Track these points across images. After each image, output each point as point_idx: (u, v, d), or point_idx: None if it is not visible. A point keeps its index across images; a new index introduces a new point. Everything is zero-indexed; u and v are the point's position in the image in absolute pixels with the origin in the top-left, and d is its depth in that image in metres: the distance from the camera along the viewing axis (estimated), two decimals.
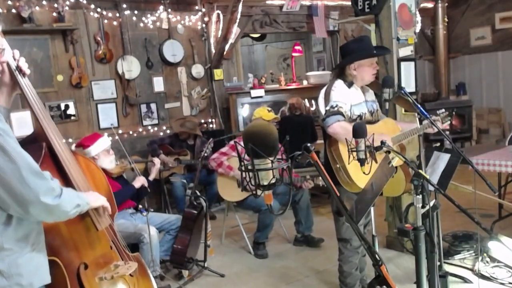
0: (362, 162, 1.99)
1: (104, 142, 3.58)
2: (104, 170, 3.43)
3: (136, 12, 5.76)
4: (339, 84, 2.93)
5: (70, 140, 5.21)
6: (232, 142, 4.50)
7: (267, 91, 6.53)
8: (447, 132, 3.17)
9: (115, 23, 5.62)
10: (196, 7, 6.22)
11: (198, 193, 3.93)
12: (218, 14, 6.22)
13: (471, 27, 8.17)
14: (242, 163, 1.71)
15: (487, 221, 4.11)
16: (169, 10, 5.92)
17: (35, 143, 1.86)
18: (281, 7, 6.66)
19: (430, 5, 7.89)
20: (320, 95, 2.97)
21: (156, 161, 4.00)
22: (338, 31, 7.29)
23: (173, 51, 6.01)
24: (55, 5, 5.10)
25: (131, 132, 5.84)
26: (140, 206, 3.48)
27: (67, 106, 5.37)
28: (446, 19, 8.04)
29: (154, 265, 3.42)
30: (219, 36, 6.17)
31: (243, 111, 6.39)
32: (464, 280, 3.38)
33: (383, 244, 4.11)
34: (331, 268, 3.65)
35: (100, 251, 2.03)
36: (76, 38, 5.33)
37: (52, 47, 5.27)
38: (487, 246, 3.59)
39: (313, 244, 4.41)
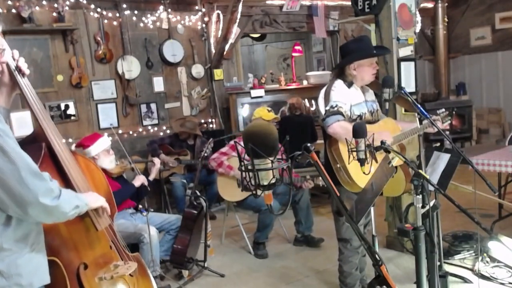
0: (362, 162, 1.99)
1: (104, 142, 3.58)
2: (104, 170, 3.43)
3: (136, 12, 5.76)
4: (339, 84, 2.93)
5: (70, 140, 5.21)
6: (232, 142, 4.50)
7: (267, 91, 6.53)
8: (447, 132, 3.17)
9: (115, 23, 5.62)
10: (196, 7, 6.22)
11: (198, 193, 3.93)
12: (218, 14, 6.22)
13: (471, 27, 8.17)
14: (242, 163, 1.71)
15: (487, 221, 4.11)
16: (169, 10, 5.92)
17: (34, 143, 1.86)
18: (281, 7, 6.66)
19: (430, 5, 7.89)
20: (320, 95, 2.97)
21: (156, 161, 4.00)
22: (338, 31, 7.30)
23: (173, 51, 6.01)
24: (55, 5, 5.10)
25: (131, 132, 5.84)
26: (140, 206, 3.48)
27: (67, 106, 5.37)
28: (446, 19, 8.04)
29: (154, 265, 3.42)
30: (219, 36, 6.17)
31: (243, 111, 6.39)
32: (464, 280, 3.38)
33: (383, 244, 4.11)
34: (331, 268, 3.65)
35: (99, 251, 2.03)
36: (76, 38, 5.33)
37: (52, 47, 5.27)
38: (487, 246, 3.59)
39: (313, 244, 4.41)
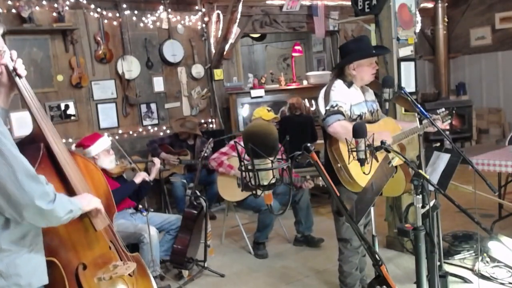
0: (362, 162, 1.99)
1: (104, 142, 3.58)
2: (104, 170, 3.44)
3: (136, 12, 5.76)
4: (338, 84, 2.93)
5: (70, 140, 5.21)
6: (232, 142, 4.50)
7: (267, 91, 6.53)
8: (447, 132, 3.17)
9: (115, 23, 5.62)
10: (196, 7, 6.22)
11: (198, 193, 3.93)
12: (218, 14, 6.22)
13: (471, 27, 8.17)
14: (242, 163, 1.71)
15: (487, 221, 4.11)
16: (169, 10, 5.92)
17: (33, 143, 1.86)
18: (281, 7, 6.66)
19: (430, 5, 7.89)
20: (320, 95, 2.97)
21: (156, 161, 3.99)
22: (338, 31, 7.30)
23: (173, 51, 6.01)
24: (55, 5, 5.10)
25: (131, 132, 5.84)
26: (140, 206, 3.48)
27: (67, 106, 5.37)
28: (446, 19, 8.04)
29: (154, 265, 3.42)
30: (219, 36, 6.17)
31: (243, 111, 6.39)
32: (464, 280, 3.38)
33: (383, 244, 4.11)
34: (331, 268, 3.65)
35: (98, 252, 2.02)
36: (76, 38, 5.33)
37: (52, 47, 5.27)
38: (487, 246, 3.59)
39: (313, 244, 4.41)
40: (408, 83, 3.87)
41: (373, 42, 3.87)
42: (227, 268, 4.03)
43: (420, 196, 1.90)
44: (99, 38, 5.50)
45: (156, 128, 6.03)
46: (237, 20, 5.89)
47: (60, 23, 5.15)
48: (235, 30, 6.05)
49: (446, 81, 8.19)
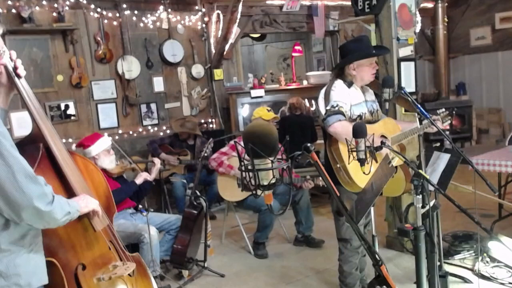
0: (362, 162, 1.99)
1: (105, 142, 3.58)
2: (104, 170, 3.44)
3: (136, 12, 5.76)
4: (339, 84, 2.93)
5: (70, 140, 5.21)
6: (232, 142, 4.50)
7: (267, 91, 6.53)
8: (447, 132, 3.17)
9: (115, 23, 5.62)
10: (196, 7, 6.22)
11: (198, 193, 3.93)
12: (218, 14, 6.22)
13: (471, 27, 8.17)
14: (242, 163, 1.71)
15: (487, 221, 4.11)
16: (169, 10, 5.92)
17: (32, 144, 1.85)
18: (281, 7, 6.66)
19: (430, 5, 7.89)
20: (320, 95, 2.97)
21: (157, 161, 3.99)
22: (338, 31, 7.30)
23: (173, 51, 6.01)
24: (55, 5, 5.11)
25: (131, 132, 5.84)
26: (140, 206, 3.48)
27: (67, 106, 5.37)
28: (446, 19, 8.04)
29: (154, 265, 3.42)
30: (219, 36, 6.17)
31: (243, 111, 6.39)
32: (464, 280, 3.38)
33: (383, 244, 4.11)
34: (331, 268, 3.65)
35: (98, 252, 2.02)
36: (76, 38, 5.33)
37: (52, 47, 5.27)
38: (487, 246, 3.59)
39: (313, 245, 4.40)
40: (408, 83, 3.87)
41: (373, 42, 3.87)
42: (227, 268, 4.03)
43: (420, 196, 1.90)
44: (99, 38, 5.50)
45: (156, 128, 6.03)
46: (237, 20, 5.90)
47: (60, 23, 5.15)
48: (235, 30, 6.05)
49: (446, 81, 8.19)
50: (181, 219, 3.81)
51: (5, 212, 1.52)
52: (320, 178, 3.01)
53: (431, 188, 2.10)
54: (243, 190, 1.73)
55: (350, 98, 2.90)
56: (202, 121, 6.34)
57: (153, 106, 6.00)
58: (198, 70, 6.29)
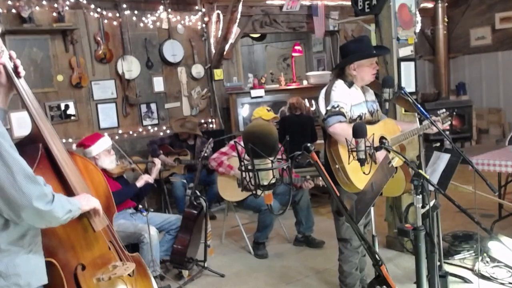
0: (362, 162, 1.99)
1: (105, 142, 3.58)
2: (104, 170, 3.44)
3: (136, 12, 5.76)
4: (339, 84, 2.93)
5: (70, 140, 5.21)
6: (232, 142, 4.50)
7: (267, 91, 6.53)
8: (447, 132, 3.17)
9: (115, 23, 5.62)
10: (196, 7, 6.22)
11: (198, 193, 3.93)
12: (218, 14, 6.22)
13: (471, 27, 8.17)
14: (242, 163, 1.71)
15: (487, 221, 4.11)
16: (169, 10, 5.92)
17: (32, 144, 1.85)
18: (281, 7, 6.66)
19: (430, 5, 7.89)
20: (320, 95, 2.97)
21: (157, 161, 3.99)
22: (338, 31, 7.29)
23: (173, 51, 6.01)
24: (55, 5, 5.10)
25: (131, 132, 5.84)
26: (140, 206, 3.47)
27: (67, 106, 5.37)
28: (446, 19, 8.04)
29: (154, 265, 3.42)
30: (219, 36, 6.17)
31: (243, 111, 6.39)
32: (464, 280, 3.38)
33: (383, 244, 4.11)
34: (331, 268, 3.65)
35: (98, 252, 2.02)
36: (76, 38, 5.33)
37: (52, 47, 5.27)
38: (487, 246, 3.59)
39: (313, 245, 4.40)
40: (408, 83, 3.87)
41: (373, 42, 3.87)
42: (227, 268, 4.03)
43: (420, 196, 1.90)
44: (99, 38, 5.50)
45: (156, 128, 6.03)
46: (237, 20, 5.90)
47: (60, 23, 5.15)
48: (235, 30, 6.05)
49: (446, 81, 8.19)
50: (181, 219, 3.81)
51: (4, 212, 1.52)
52: (320, 178, 3.01)
53: (431, 188, 2.10)
54: (243, 190, 1.73)
55: (350, 98, 2.90)
56: (202, 121, 6.34)
57: (153, 106, 6.00)
58: (198, 70, 6.29)
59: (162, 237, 3.81)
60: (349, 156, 2.01)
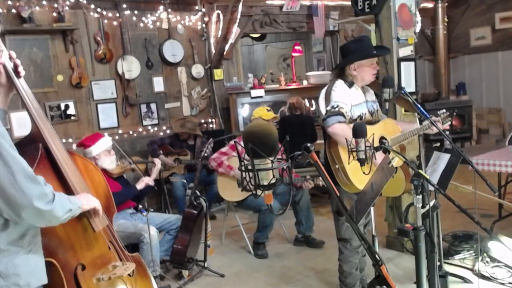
0: (362, 162, 1.99)
1: (105, 142, 3.58)
2: (105, 171, 3.43)
3: (136, 12, 5.76)
4: (340, 84, 2.93)
5: (70, 140, 5.21)
6: (232, 142, 4.50)
7: (267, 91, 6.54)
8: (447, 132, 3.17)
9: (115, 23, 5.62)
10: (196, 7, 6.22)
11: (198, 193, 3.93)
12: (218, 14, 6.22)
13: (471, 27, 8.17)
14: (242, 163, 1.71)
15: (487, 221, 4.11)
16: (169, 10, 5.93)
17: (32, 144, 1.85)
18: (281, 7, 6.66)
19: (430, 5, 7.89)
20: (321, 95, 2.97)
21: (157, 161, 3.99)
22: (338, 31, 7.30)
23: (173, 51, 6.01)
24: (55, 5, 5.11)
25: (131, 132, 5.84)
26: (140, 206, 3.47)
27: (67, 106, 5.37)
28: (446, 19, 8.04)
29: (154, 265, 3.42)
30: (219, 36, 6.17)
31: (243, 111, 6.39)
32: (464, 280, 3.38)
33: (383, 244, 4.11)
34: (331, 268, 3.65)
35: (97, 252, 2.02)
36: (76, 38, 5.34)
37: (52, 47, 5.27)
38: (487, 246, 3.59)
39: (313, 246, 4.40)
40: (408, 83, 3.87)
41: (373, 42, 3.86)
42: (227, 268, 4.03)
43: (420, 196, 1.90)
44: (99, 38, 5.50)
45: (156, 128, 6.03)
46: (237, 20, 5.90)
47: (60, 23, 5.15)
48: (235, 30, 6.05)
49: (446, 81, 8.19)
50: (181, 219, 3.81)
51: (5, 212, 1.52)
52: (320, 178, 3.01)
53: (431, 188, 2.10)
54: (243, 190, 1.73)
55: (350, 98, 2.90)
56: (202, 121, 6.34)
57: (153, 106, 6.00)
58: (198, 70, 6.29)
59: (162, 237, 3.81)
60: (349, 156, 2.01)
